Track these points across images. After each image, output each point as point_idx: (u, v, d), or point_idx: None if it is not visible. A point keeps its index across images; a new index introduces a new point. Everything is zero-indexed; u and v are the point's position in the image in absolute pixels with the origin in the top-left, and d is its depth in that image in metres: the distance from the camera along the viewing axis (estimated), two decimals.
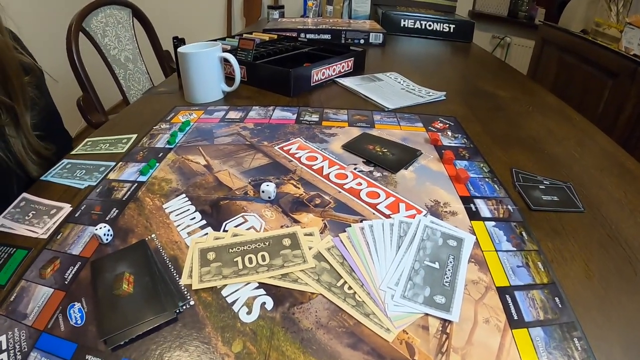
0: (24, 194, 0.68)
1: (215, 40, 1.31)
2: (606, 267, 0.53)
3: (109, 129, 0.94)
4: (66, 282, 0.50)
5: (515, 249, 0.55)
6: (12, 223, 0.62)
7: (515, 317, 0.45)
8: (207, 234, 0.57)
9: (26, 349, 0.42)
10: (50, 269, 0.52)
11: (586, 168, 0.77)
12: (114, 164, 0.76)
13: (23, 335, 0.44)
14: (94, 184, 0.70)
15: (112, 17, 1.75)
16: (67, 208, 0.64)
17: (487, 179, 0.71)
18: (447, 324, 0.44)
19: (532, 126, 0.95)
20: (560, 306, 0.47)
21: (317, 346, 0.42)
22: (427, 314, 0.46)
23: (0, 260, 0.54)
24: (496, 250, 0.55)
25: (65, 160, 0.79)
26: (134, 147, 0.82)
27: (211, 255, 0.53)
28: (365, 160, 0.76)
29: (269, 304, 0.47)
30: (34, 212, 0.64)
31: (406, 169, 0.73)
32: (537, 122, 0.97)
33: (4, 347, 0.43)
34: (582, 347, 0.42)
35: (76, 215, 0.63)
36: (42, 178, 0.73)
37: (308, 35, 1.73)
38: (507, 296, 0.48)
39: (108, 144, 0.84)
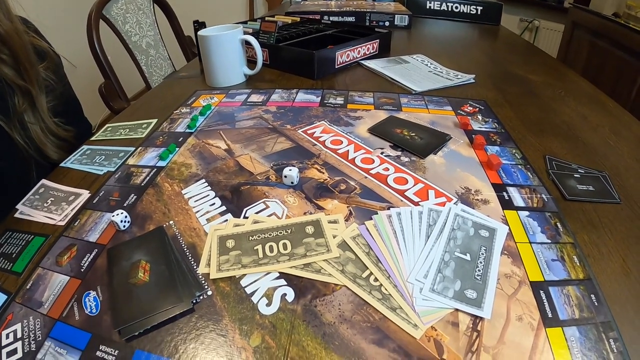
0: (43, 181, 0.68)
1: (238, 23, 1.28)
2: None
3: (130, 115, 0.93)
4: (82, 270, 0.49)
5: (550, 241, 0.52)
6: (30, 210, 0.61)
7: (550, 315, 0.42)
8: (226, 220, 0.55)
9: (40, 338, 0.42)
10: (67, 256, 0.51)
11: (621, 157, 0.72)
12: (133, 149, 0.75)
13: (38, 324, 0.43)
14: (113, 169, 0.69)
15: (132, 3, 1.74)
16: (85, 194, 0.63)
17: (519, 166, 0.67)
18: (478, 321, 0.42)
19: (566, 112, 0.90)
20: (596, 304, 0.44)
21: (339, 342, 0.40)
22: (457, 310, 0.43)
23: (17, 247, 0.54)
24: (530, 242, 0.52)
25: (84, 147, 0.78)
26: (154, 132, 0.81)
27: (230, 243, 0.51)
28: (392, 145, 0.73)
29: (290, 295, 0.45)
30: (52, 199, 0.63)
31: (435, 154, 0.70)
32: (570, 108, 0.92)
33: (18, 335, 0.42)
34: (617, 350, 0.39)
35: (94, 201, 0.62)
36: (62, 164, 0.73)
37: (332, 18, 1.69)
38: (541, 292, 0.45)
39: (128, 129, 0.83)
